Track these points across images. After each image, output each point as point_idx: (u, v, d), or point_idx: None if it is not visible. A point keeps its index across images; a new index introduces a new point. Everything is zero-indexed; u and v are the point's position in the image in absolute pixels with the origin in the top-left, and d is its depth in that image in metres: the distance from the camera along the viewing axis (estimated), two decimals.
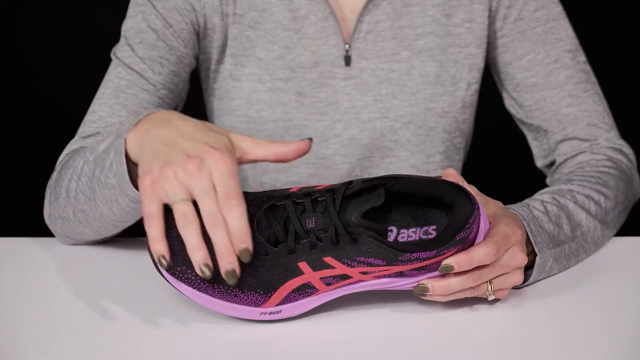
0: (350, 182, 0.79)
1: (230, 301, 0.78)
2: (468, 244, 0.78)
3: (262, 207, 0.78)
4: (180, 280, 0.78)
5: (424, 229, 0.83)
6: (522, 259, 0.82)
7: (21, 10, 1.95)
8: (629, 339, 0.78)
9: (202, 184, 0.74)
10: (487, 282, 0.81)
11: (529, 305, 0.84)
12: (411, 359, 0.75)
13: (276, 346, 0.77)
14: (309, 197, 0.78)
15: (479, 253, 0.78)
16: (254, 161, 0.80)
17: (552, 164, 1.15)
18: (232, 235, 0.74)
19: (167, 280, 0.79)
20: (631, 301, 0.85)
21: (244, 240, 0.74)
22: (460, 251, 0.78)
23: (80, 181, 0.88)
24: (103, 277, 0.91)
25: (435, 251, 0.76)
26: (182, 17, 1.08)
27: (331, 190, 0.78)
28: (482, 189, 0.90)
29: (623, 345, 0.77)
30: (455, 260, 0.78)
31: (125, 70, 1.05)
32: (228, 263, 0.74)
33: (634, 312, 0.83)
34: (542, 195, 0.97)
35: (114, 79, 1.05)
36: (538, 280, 0.90)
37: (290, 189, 0.80)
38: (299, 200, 0.78)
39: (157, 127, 0.80)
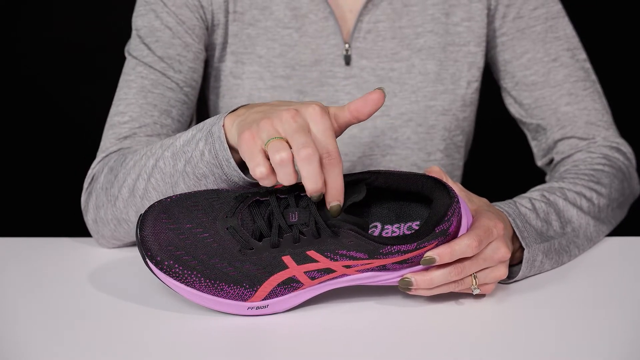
0: None
1: (217, 295, 0.79)
2: (449, 237, 0.79)
3: (247, 202, 0.79)
4: (169, 274, 0.79)
5: (408, 224, 0.84)
6: (505, 253, 0.82)
7: (21, 10, 1.95)
8: (626, 337, 0.78)
9: (293, 126, 0.75)
10: (471, 276, 0.81)
11: (521, 301, 0.85)
12: (399, 351, 0.75)
13: (264, 338, 0.78)
14: (292, 193, 0.79)
15: (460, 245, 0.79)
16: (342, 127, 0.80)
17: (551, 162, 1.15)
18: (328, 193, 0.75)
19: (156, 275, 0.80)
20: (630, 301, 0.85)
21: (338, 198, 0.76)
22: (441, 244, 0.79)
23: (152, 178, 0.89)
24: (97, 274, 0.91)
25: (415, 244, 0.77)
26: (192, 13, 1.08)
27: None
28: (483, 188, 0.91)
29: (620, 342, 0.77)
30: (437, 253, 0.78)
31: (146, 70, 1.06)
32: (318, 196, 0.75)
33: (632, 311, 0.83)
34: (532, 193, 0.97)
35: (136, 78, 1.06)
36: (529, 276, 0.90)
37: (275, 185, 0.81)
38: (282, 196, 0.79)
39: (251, 108, 0.81)
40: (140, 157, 0.91)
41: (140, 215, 0.82)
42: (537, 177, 1.22)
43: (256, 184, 0.85)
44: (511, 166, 1.81)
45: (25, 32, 1.96)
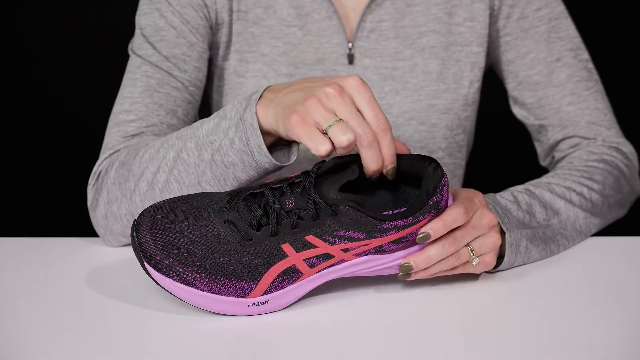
0: (323, 161, 0.81)
1: (218, 292, 0.79)
2: (441, 211, 0.81)
3: (242, 196, 0.80)
4: (168, 275, 0.78)
5: (397, 211, 0.85)
6: (492, 217, 0.84)
7: (20, 8, 1.95)
8: (626, 338, 0.78)
9: (346, 107, 0.80)
10: (467, 248, 0.83)
11: (520, 301, 0.85)
12: (400, 344, 0.75)
13: (264, 338, 0.78)
14: (286, 181, 0.80)
15: (450, 215, 0.81)
16: None
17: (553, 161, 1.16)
18: (384, 159, 0.81)
19: (153, 279, 0.79)
20: (629, 301, 0.85)
21: (393, 162, 0.81)
22: (434, 218, 0.81)
23: (174, 170, 0.89)
24: (97, 274, 0.91)
25: (411, 218, 0.79)
26: (196, 12, 1.08)
27: (306, 172, 0.81)
28: (485, 187, 0.92)
29: (619, 342, 0.77)
30: (430, 227, 0.81)
31: (152, 69, 1.05)
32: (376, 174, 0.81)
33: (631, 312, 0.82)
34: (516, 187, 0.98)
35: (142, 77, 1.05)
36: (519, 265, 0.91)
37: (266, 179, 0.81)
38: (276, 186, 0.80)
39: (283, 89, 0.84)
40: (157, 150, 0.91)
41: (135, 220, 0.81)
42: (539, 176, 1.22)
43: (281, 168, 0.86)
44: (513, 166, 1.81)
45: (26, 30, 1.96)
